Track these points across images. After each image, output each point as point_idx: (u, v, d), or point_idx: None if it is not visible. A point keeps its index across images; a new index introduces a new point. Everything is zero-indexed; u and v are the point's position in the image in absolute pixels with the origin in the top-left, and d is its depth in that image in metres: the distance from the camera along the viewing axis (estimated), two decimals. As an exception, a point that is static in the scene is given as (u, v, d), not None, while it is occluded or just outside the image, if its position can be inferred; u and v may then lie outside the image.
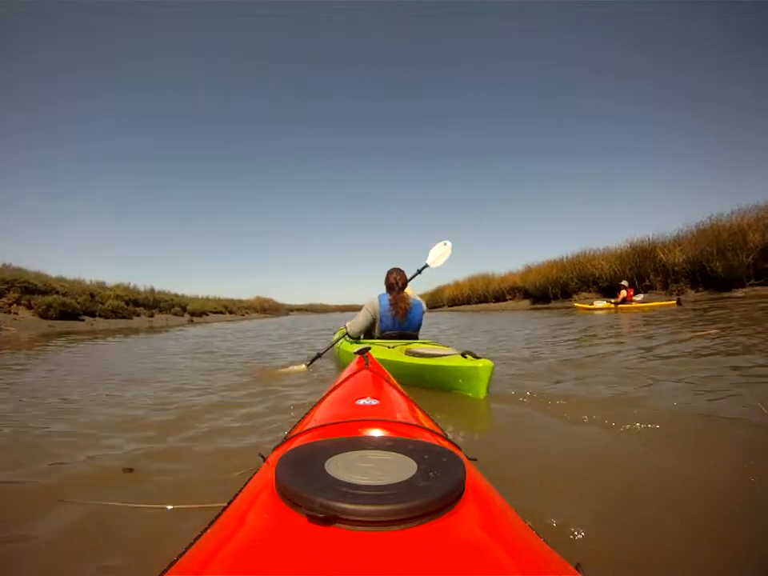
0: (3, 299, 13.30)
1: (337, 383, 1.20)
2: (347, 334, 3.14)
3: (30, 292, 14.08)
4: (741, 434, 1.44)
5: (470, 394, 2.06)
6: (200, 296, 28.09)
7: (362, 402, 0.92)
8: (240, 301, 34.00)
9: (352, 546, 0.39)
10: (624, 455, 1.32)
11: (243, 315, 30.21)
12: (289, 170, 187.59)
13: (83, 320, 15.19)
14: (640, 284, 14.81)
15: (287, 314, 42.19)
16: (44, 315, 13.66)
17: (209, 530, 0.51)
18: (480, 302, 24.43)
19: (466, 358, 2.07)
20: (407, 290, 3.08)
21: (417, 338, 3.04)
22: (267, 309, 38.59)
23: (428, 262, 3.81)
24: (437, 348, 2.49)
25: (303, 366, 3.25)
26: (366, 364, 1.33)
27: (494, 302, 23.14)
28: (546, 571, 0.41)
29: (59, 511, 1.03)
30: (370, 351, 1.49)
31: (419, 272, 3.75)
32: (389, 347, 2.59)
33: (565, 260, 19.16)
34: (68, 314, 14.54)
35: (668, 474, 1.17)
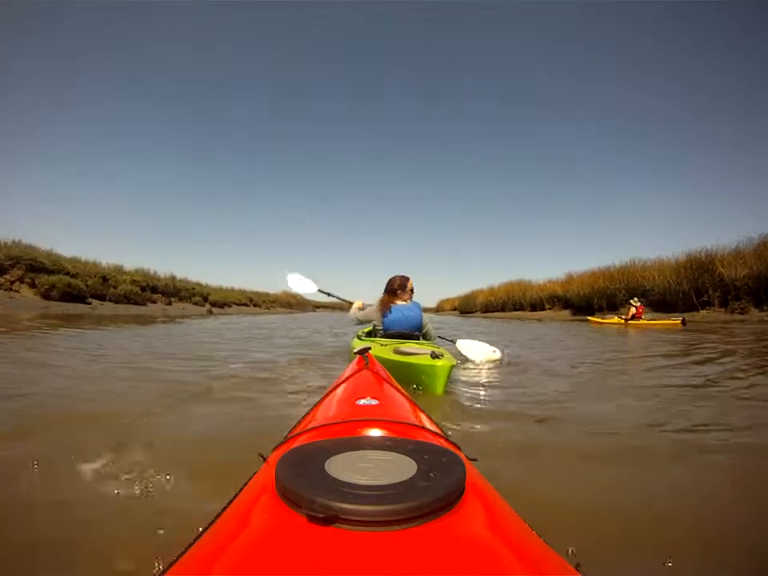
0: (6, 276, 12.67)
1: (337, 383, 1.23)
2: (351, 318, 3.69)
3: (36, 270, 13.29)
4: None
5: (430, 391, 2.27)
6: (224, 286, 28.16)
7: (362, 402, 0.94)
8: (267, 294, 34.81)
9: (352, 546, 0.40)
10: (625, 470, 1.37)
11: (268, 309, 30.86)
12: (328, 168, 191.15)
13: (89, 303, 14.33)
14: (698, 299, 13.97)
15: (314, 311, 43.04)
16: (46, 296, 12.94)
17: (208, 530, 0.52)
18: (515, 309, 23.90)
19: (433, 357, 2.28)
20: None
21: (417, 338, 3.29)
22: (294, 304, 39.44)
23: (458, 344, 3.92)
24: (422, 348, 2.72)
25: (316, 286, 4.39)
26: (366, 364, 1.36)
27: (531, 311, 22.55)
28: (546, 571, 0.42)
29: None
30: (370, 351, 1.54)
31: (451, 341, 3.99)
32: (381, 345, 2.88)
33: (612, 269, 18.37)
34: (73, 296, 13.69)
35: (667, 481, 1.25)
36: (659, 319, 12.23)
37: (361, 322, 3.58)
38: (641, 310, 12.65)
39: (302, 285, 4.49)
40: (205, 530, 0.52)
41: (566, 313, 19.78)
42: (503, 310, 25.08)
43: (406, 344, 2.91)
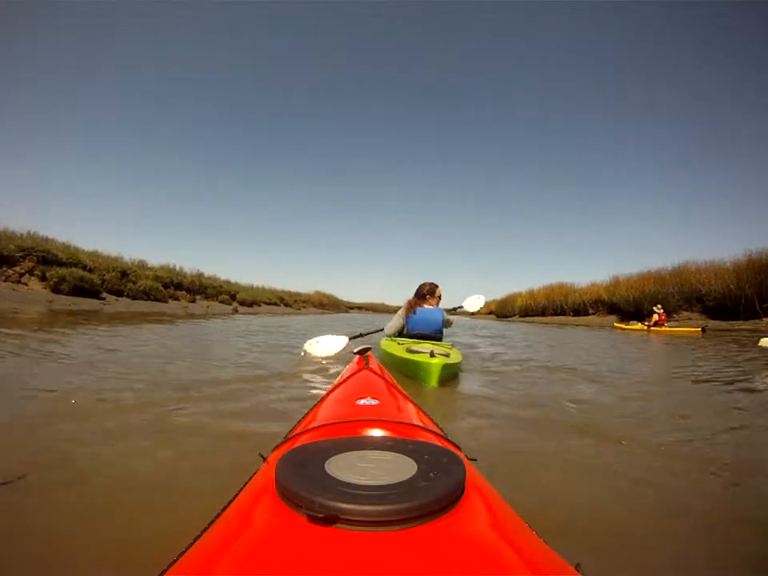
0: (16, 268, 12.37)
1: (337, 383, 1.26)
2: (384, 333, 3.99)
3: (49, 263, 12.93)
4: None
5: (424, 383, 2.69)
6: (254, 285, 27.98)
7: (362, 402, 0.97)
8: (298, 294, 34.72)
9: (352, 546, 0.41)
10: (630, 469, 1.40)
11: (299, 309, 30.93)
12: (362, 171, 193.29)
13: (103, 299, 13.92)
14: (760, 305, 13.01)
15: (347, 312, 42.76)
16: (56, 289, 12.55)
17: (208, 530, 0.53)
18: (556, 314, 23.21)
19: (431, 356, 2.70)
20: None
21: (438, 340, 3.67)
22: (326, 304, 39.68)
23: (463, 304, 4.85)
24: (430, 347, 3.07)
25: (346, 338, 4.04)
26: (366, 364, 1.40)
27: (573, 316, 21.82)
28: (546, 571, 0.43)
29: None
30: (369, 352, 1.61)
31: (453, 309, 4.68)
32: (398, 343, 3.35)
33: (664, 272, 17.50)
34: (85, 290, 13.19)
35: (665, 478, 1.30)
36: (679, 327, 13.05)
37: (396, 330, 3.78)
38: (663, 318, 13.87)
39: (326, 345, 3.95)
40: (204, 530, 0.53)
41: (613, 318, 18.97)
42: (543, 315, 24.41)
43: (422, 344, 3.28)
